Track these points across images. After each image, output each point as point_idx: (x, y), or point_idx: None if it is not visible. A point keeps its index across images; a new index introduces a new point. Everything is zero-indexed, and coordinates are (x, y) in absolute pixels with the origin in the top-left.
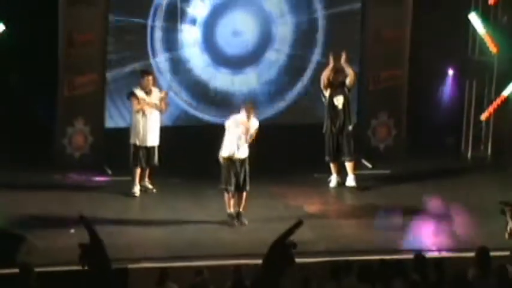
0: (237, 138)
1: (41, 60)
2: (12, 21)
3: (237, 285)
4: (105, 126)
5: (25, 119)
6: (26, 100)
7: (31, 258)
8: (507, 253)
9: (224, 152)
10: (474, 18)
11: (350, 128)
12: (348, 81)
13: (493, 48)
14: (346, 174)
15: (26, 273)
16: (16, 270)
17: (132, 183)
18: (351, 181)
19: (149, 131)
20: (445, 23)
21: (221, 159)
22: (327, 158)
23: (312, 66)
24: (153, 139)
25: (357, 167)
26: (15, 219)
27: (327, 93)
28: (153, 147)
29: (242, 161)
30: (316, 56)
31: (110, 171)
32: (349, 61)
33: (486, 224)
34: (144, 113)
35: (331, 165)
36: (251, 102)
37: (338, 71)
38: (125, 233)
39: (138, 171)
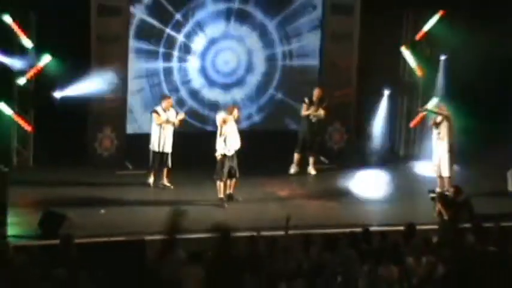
0: (227, 137)
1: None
2: (56, 53)
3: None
4: (126, 133)
5: (66, 128)
6: (67, 114)
7: (71, 232)
8: (435, 226)
9: (219, 150)
10: (405, 50)
11: (318, 138)
12: (321, 114)
13: (419, 73)
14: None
15: (67, 244)
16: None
17: (148, 176)
18: (311, 170)
19: (165, 140)
20: (383, 54)
21: (218, 155)
22: (296, 151)
23: (282, 87)
24: (168, 146)
25: (316, 161)
26: (60, 202)
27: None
28: (168, 153)
29: (233, 154)
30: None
31: (130, 167)
32: (320, 98)
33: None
34: (162, 127)
35: (296, 157)
36: (234, 105)
37: (312, 104)
38: (142, 212)
39: (154, 171)
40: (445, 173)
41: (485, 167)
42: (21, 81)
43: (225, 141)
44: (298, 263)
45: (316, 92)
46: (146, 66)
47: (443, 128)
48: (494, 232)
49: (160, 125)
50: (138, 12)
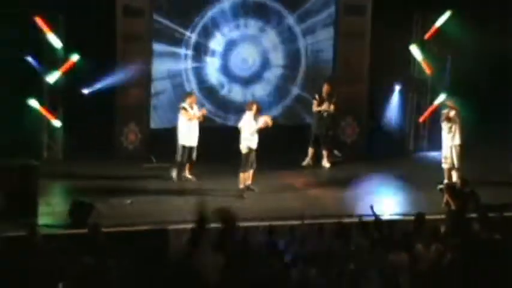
0: (250, 133)
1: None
2: (84, 51)
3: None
4: (150, 127)
5: (93, 123)
6: (94, 110)
7: (98, 221)
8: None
9: (244, 146)
10: (414, 48)
11: (330, 132)
12: (331, 109)
13: (427, 70)
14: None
15: (95, 233)
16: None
17: (172, 170)
18: (325, 163)
19: (193, 134)
20: (393, 52)
21: (244, 150)
22: (310, 145)
23: (298, 82)
24: (194, 141)
25: (330, 155)
26: (87, 193)
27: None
28: (194, 147)
29: (255, 149)
30: (301, 74)
31: (154, 159)
32: (329, 93)
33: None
34: (190, 122)
35: (310, 151)
36: (253, 101)
37: (323, 100)
38: (166, 202)
39: (180, 165)
40: (456, 164)
41: (489, 160)
42: (51, 79)
43: (252, 136)
44: (312, 251)
45: (325, 88)
46: (168, 65)
47: (455, 122)
48: (498, 221)
49: (189, 120)
50: (159, 14)
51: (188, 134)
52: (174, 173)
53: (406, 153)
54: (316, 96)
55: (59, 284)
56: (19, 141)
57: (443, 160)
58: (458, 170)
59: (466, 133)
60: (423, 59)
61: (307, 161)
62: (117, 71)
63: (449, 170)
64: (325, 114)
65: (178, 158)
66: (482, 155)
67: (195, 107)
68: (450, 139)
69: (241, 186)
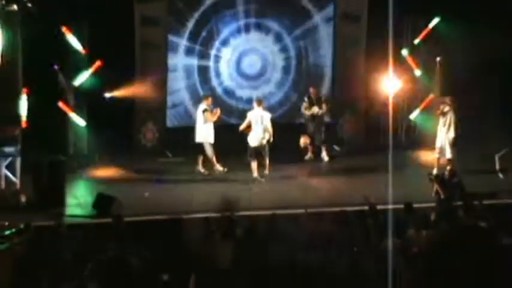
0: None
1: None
2: (106, 58)
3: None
4: (166, 126)
5: (115, 123)
6: (114, 110)
7: (120, 212)
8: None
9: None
10: (405, 52)
11: (323, 128)
12: (324, 109)
13: (417, 71)
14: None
15: (118, 221)
16: (110, 219)
17: (197, 165)
18: (325, 157)
19: (210, 132)
20: (386, 56)
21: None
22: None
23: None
24: (212, 137)
25: (329, 149)
26: (110, 186)
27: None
28: (212, 143)
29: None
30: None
31: (170, 155)
32: (317, 96)
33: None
34: (208, 121)
35: (309, 148)
36: (259, 99)
37: (312, 102)
38: (181, 194)
39: (202, 158)
40: (449, 155)
41: (477, 153)
42: (76, 82)
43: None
44: (312, 237)
45: (312, 91)
46: (183, 73)
47: (449, 117)
48: (482, 209)
49: (209, 120)
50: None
51: (205, 131)
52: (200, 167)
53: (399, 148)
54: (306, 99)
55: (85, 269)
56: (48, 139)
57: (437, 151)
58: (450, 161)
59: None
60: (414, 61)
61: (308, 155)
62: (136, 78)
63: (439, 160)
64: (319, 112)
65: (208, 153)
66: (472, 148)
67: (211, 106)
68: (445, 132)
69: (255, 174)
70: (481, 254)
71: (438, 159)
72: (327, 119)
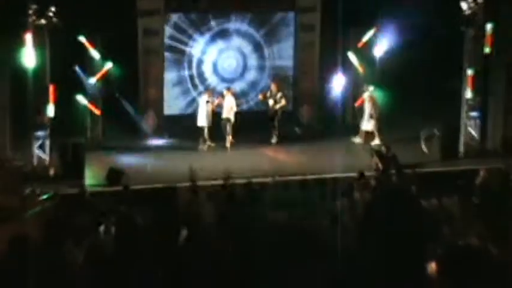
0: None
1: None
2: (115, 61)
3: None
4: (164, 114)
5: (123, 112)
6: (122, 103)
7: (127, 182)
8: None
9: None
10: (351, 54)
11: (278, 117)
12: (283, 103)
13: (361, 70)
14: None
15: (126, 190)
16: (121, 188)
17: (200, 143)
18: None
19: (210, 118)
20: (336, 56)
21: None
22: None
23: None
24: (210, 122)
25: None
26: (119, 161)
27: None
28: (211, 127)
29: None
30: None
31: (167, 136)
32: (278, 89)
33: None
34: (208, 109)
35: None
36: (228, 88)
37: (271, 96)
38: (175, 167)
39: (204, 139)
40: (371, 128)
41: (404, 131)
42: (92, 81)
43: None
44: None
45: (272, 86)
46: (176, 71)
47: (371, 105)
48: (412, 176)
49: (211, 108)
50: (168, 32)
51: (206, 117)
52: (202, 146)
53: (347, 129)
54: (260, 94)
55: (100, 227)
56: (71, 126)
57: (363, 125)
58: (374, 134)
59: (390, 112)
60: (357, 61)
61: (274, 139)
62: (139, 76)
63: (367, 133)
64: (276, 106)
65: (205, 134)
66: (402, 129)
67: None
68: (368, 114)
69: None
70: (409, 208)
71: (366, 132)
72: (285, 109)
